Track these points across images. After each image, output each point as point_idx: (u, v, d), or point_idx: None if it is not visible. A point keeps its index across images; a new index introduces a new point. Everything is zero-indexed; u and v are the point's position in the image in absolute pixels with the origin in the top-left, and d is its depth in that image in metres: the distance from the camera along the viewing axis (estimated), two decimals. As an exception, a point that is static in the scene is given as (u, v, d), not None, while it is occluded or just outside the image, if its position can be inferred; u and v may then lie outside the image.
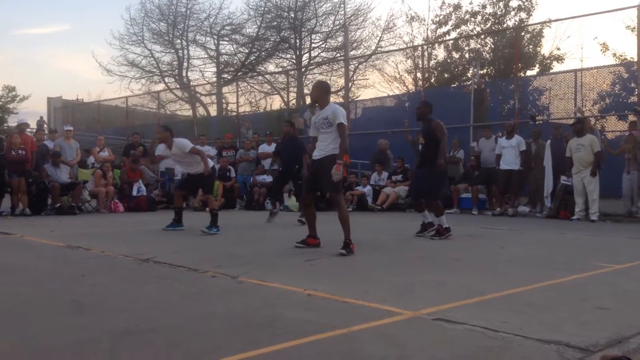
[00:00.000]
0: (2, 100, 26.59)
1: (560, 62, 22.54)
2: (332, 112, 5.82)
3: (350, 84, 23.97)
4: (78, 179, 12.59)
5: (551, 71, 20.76)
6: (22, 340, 2.76)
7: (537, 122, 12.49)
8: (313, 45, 30.56)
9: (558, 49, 22.56)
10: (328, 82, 8.06)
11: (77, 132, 16.63)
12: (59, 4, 53.66)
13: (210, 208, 8.07)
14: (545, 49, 23.11)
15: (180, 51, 31.54)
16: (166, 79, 32.16)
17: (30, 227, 8.57)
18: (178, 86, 30.87)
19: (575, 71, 13.73)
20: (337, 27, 29.02)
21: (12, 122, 24.79)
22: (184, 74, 31.90)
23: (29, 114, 48.19)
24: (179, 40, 31.32)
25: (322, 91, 6.10)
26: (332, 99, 6.54)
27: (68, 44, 56.96)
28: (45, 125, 13.54)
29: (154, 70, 31.96)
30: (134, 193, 12.91)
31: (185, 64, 31.76)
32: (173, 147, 7.91)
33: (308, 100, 27.45)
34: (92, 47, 66.80)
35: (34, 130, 14.32)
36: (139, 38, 31.02)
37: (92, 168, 13.33)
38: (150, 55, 31.48)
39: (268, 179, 13.94)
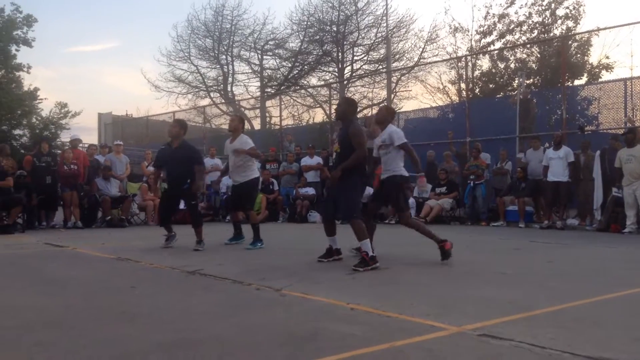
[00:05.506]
0: (55, 116, 27.53)
1: (609, 70, 21.97)
2: (389, 135, 6.21)
3: (392, 96, 23.93)
4: (127, 193, 12.94)
5: (600, 80, 20.24)
6: (73, 351, 2.86)
7: (585, 133, 12.18)
8: (355, 58, 30.67)
9: (607, 57, 22.01)
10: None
11: (127, 147, 17.10)
12: (108, 23, 55.55)
13: (252, 222, 7.81)
14: (594, 58, 22.60)
15: (225, 66, 32.14)
16: (212, 94, 32.79)
17: (82, 240, 8.86)
18: (223, 101, 31.41)
19: (625, 80, 13.34)
20: (380, 39, 29.03)
21: (64, 137, 25.66)
22: (229, 89, 32.45)
23: (80, 130, 49.99)
24: (224, 56, 31.93)
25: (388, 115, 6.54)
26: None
27: (117, 61, 58.79)
28: (80, 145, 13.97)
29: (200, 85, 32.66)
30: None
31: (230, 79, 32.33)
32: (237, 140, 7.78)
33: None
34: (141, 63, 68.73)
35: (86, 146, 14.81)
36: (186, 54, 31.78)
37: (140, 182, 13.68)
38: (196, 71, 32.22)
39: (311, 191, 14.02)
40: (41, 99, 26.59)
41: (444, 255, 5.94)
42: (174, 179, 7.78)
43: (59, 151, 14.64)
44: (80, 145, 14.06)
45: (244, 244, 7.82)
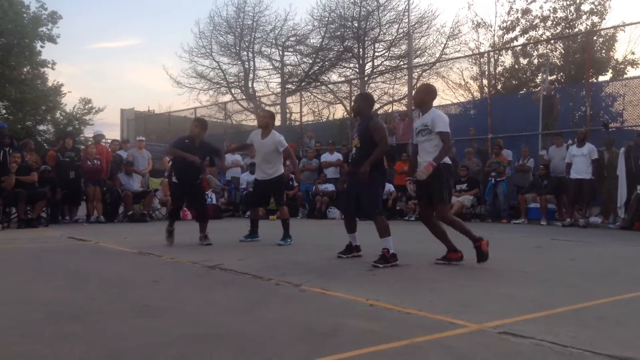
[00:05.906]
0: (79, 112, 27.92)
1: (634, 66, 21.68)
2: (432, 119, 5.69)
3: (413, 92, 23.76)
4: (149, 188, 13.08)
5: (625, 76, 19.92)
6: (96, 343, 2.91)
7: (610, 130, 12.00)
8: (376, 54, 30.54)
9: (632, 53, 21.70)
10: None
11: (149, 142, 17.26)
12: (131, 19, 56.06)
13: (283, 218, 7.80)
14: (619, 54, 22.26)
15: (247, 63, 32.25)
16: (233, 90, 32.91)
17: (104, 234, 8.99)
18: (244, 97, 31.54)
19: (651, 76, 13.12)
20: (401, 35, 28.86)
21: (88, 133, 26.02)
22: (250, 85, 32.57)
23: (103, 125, 50.67)
24: (245, 52, 32.03)
25: (427, 95, 5.95)
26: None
27: (140, 58, 59.33)
28: (103, 140, 14.16)
29: (221, 81, 32.78)
30: (209, 201, 13.28)
31: (251, 75, 32.43)
32: (269, 137, 7.60)
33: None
34: (163, 60, 69.29)
35: (109, 141, 15.00)
36: (208, 51, 31.93)
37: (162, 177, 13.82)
38: (218, 67, 32.35)
39: (330, 187, 14.05)
40: (64, 93, 27.00)
41: (481, 257, 5.59)
42: (186, 173, 7.68)
43: (83, 147, 14.85)
44: (103, 140, 14.26)
45: (262, 241, 7.85)
